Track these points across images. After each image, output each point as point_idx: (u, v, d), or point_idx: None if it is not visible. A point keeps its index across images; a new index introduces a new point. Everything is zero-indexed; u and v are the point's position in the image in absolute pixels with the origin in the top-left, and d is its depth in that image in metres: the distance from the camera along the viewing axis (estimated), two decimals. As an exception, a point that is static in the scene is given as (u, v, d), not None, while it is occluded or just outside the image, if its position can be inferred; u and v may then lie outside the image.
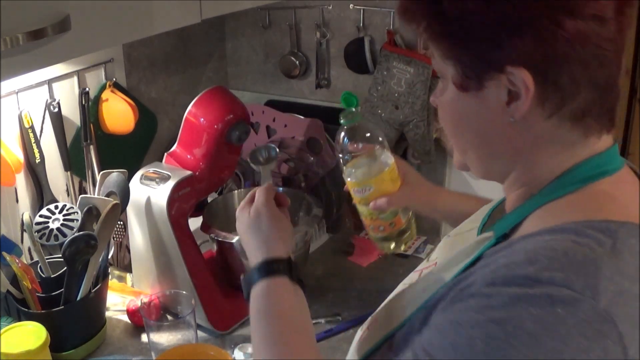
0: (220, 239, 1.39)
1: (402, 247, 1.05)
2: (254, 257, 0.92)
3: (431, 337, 0.64)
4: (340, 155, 1.03)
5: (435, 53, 0.70)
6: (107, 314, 1.40)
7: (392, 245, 1.05)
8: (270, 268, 0.89)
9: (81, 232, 1.25)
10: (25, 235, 1.43)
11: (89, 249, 1.23)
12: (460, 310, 0.62)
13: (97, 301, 1.32)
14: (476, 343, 0.58)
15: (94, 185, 1.53)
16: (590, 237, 0.62)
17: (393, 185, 1.02)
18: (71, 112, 1.51)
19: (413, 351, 0.65)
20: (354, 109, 1.06)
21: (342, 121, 1.00)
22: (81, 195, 1.38)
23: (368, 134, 1.02)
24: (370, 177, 1.01)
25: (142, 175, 1.34)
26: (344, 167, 1.03)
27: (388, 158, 1.03)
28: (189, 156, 1.35)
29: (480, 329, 0.59)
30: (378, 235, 1.05)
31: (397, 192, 1.01)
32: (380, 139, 1.02)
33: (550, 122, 0.67)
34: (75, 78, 1.50)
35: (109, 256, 1.43)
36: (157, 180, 1.32)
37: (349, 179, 1.03)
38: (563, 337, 0.56)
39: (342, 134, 1.01)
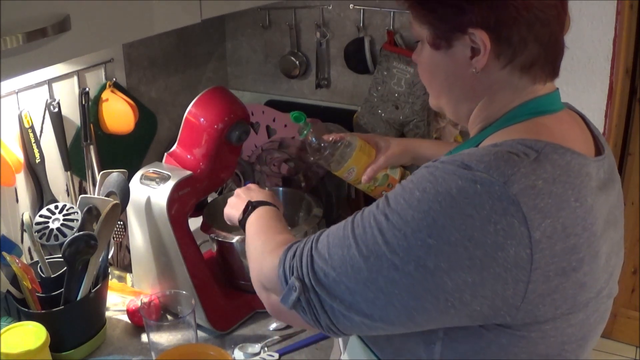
0: (220, 239, 1.39)
1: None
2: (242, 204, 1.15)
3: (390, 192, 0.82)
4: (318, 158, 1.25)
5: (414, 20, 0.86)
6: (107, 314, 1.40)
7: None
8: (255, 204, 1.13)
9: (81, 232, 1.25)
10: (25, 235, 1.43)
11: (89, 249, 1.23)
12: (414, 174, 0.80)
13: (97, 301, 1.32)
14: (414, 194, 0.76)
15: (94, 185, 1.53)
16: (520, 149, 0.77)
17: (369, 156, 1.24)
18: (71, 112, 1.51)
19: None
20: (302, 123, 1.26)
21: (300, 136, 1.25)
22: (81, 195, 1.38)
23: (325, 130, 1.19)
24: (347, 161, 1.23)
25: (142, 175, 1.34)
26: (329, 166, 1.25)
27: (353, 139, 1.24)
28: (189, 156, 1.35)
29: (420, 185, 0.76)
30: None
31: (375, 159, 1.24)
32: (334, 129, 1.20)
33: (505, 71, 0.83)
34: (75, 78, 1.51)
35: (109, 256, 1.43)
36: (157, 180, 1.32)
37: (336, 173, 1.25)
38: (476, 206, 0.73)
39: (308, 140, 1.25)
